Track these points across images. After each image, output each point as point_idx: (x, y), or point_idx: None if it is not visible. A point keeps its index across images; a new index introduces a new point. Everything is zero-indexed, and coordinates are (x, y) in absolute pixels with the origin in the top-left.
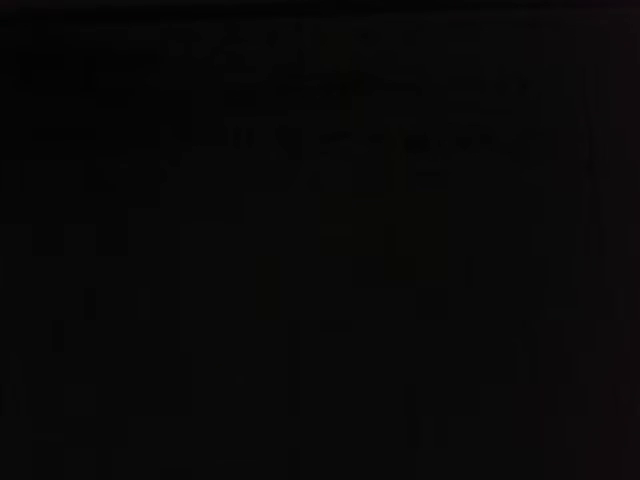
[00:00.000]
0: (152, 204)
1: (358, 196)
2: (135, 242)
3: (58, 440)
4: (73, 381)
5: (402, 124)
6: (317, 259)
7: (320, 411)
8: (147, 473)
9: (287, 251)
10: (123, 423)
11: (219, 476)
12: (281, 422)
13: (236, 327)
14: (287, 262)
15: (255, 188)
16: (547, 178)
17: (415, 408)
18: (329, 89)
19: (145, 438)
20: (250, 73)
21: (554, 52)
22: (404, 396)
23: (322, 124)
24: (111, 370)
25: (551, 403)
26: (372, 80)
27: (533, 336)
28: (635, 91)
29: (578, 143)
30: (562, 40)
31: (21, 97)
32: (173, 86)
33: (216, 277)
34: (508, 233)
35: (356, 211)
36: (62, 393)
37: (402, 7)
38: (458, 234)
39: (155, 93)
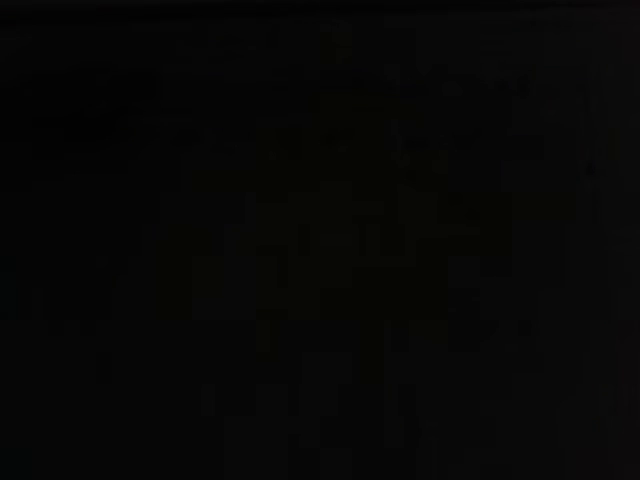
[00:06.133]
0: (151, 204)
1: (358, 196)
2: (135, 243)
3: None
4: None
5: (402, 124)
6: (317, 259)
7: (321, 411)
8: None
9: (287, 251)
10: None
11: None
12: (281, 422)
13: (237, 328)
14: (287, 262)
15: (255, 188)
16: (547, 178)
17: (415, 408)
18: (329, 89)
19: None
20: (250, 73)
21: (554, 52)
22: (403, 395)
23: (322, 124)
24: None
25: (551, 403)
26: (372, 80)
27: (533, 336)
28: (635, 91)
29: (578, 143)
30: (562, 40)
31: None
32: (173, 86)
33: (217, 277)
34: (508, 233)
35: (356, 211)
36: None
37: (402, 7)
38: (458, 234)
39: (154, 93)
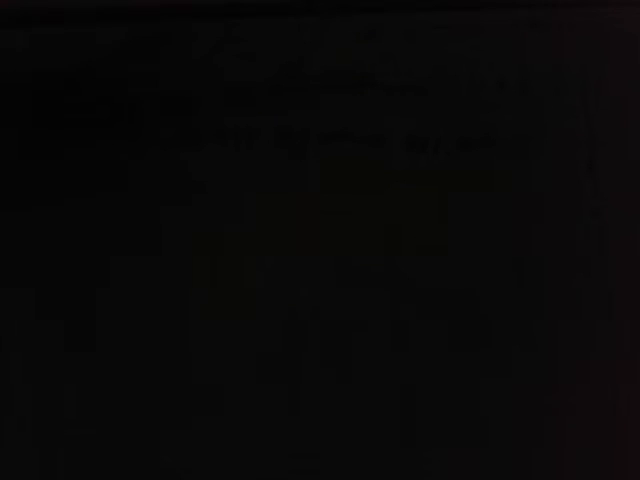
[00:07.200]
0: (152, 204)
1: (358, 196)
2: (135, 242)
3: None
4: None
5: (402, 124)
6: (317, 259)
7: (320, 412)
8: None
9: (287, 251)
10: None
11: (218, 476)
12: (280, 422)
13: (235, 329)
14: (287, 262)
15: (255, 188)
16: (547, 178)
17: (414, 408)
18: (329, 89)
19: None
20: (250, 73)
21: (554, 52)
22: (402, 396)
23: (322, 124)
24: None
25: (551, 403)
26: (372, 80)
27: (533, 336)
28: (635, 91)
29: (578, 143)
30: (562, 40)
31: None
32: (173, 86)
33: (216, 277)
34: (508, 233)
35: (356, 211)
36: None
37: (402, 7)
38: (458, 234)
39: (154, 93)
